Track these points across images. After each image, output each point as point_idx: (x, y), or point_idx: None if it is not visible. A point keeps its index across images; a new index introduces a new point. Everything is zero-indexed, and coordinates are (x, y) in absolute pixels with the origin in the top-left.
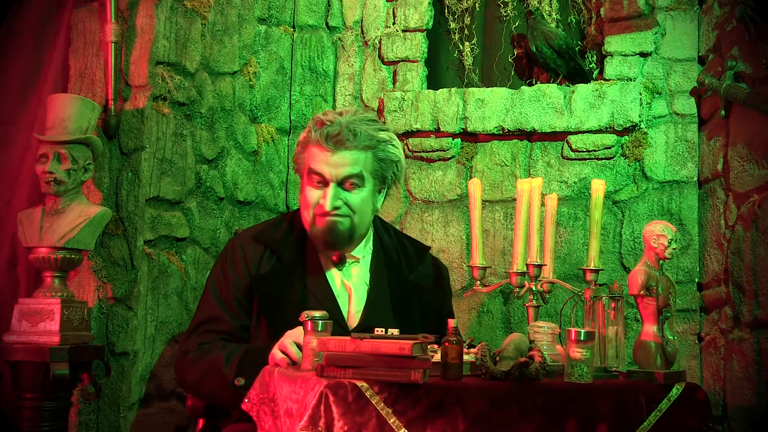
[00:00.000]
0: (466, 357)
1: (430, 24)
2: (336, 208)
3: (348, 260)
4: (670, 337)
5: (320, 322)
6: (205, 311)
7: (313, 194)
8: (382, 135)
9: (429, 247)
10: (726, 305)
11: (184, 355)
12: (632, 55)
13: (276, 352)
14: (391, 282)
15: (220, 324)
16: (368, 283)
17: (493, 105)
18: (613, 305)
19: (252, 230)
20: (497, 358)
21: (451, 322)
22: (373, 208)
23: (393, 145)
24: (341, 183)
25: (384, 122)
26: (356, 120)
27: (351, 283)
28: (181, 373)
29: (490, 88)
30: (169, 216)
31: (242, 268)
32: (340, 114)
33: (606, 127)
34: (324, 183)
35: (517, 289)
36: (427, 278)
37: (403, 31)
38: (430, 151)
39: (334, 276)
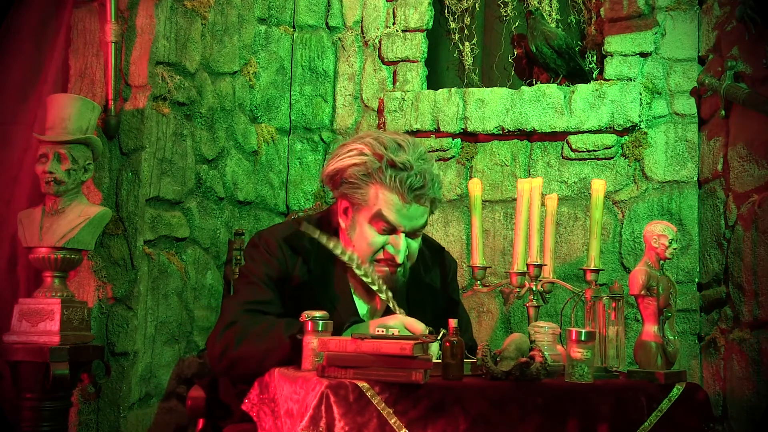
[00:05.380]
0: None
1: (430, 24)
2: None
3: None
4: (671, 337)
5: (320, 322)
6: (251, 294)
7: (377, 240)
8: (436, 170)
9: (443, 248)
10: (726, 305)
11: (230, 325)
12: (632, 55)
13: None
14: (410, 284)
15: (269, 307)
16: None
17: (493, 105)
18: (613, 305)
19: (280, 232)
20: (498, 359)
21: (452, 322)
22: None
23: (440, 179)
24: (409, 234)
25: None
26: (424, 163)
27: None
28: (224, 341)
29: (490, 88)
30: (169, 216)
31: (283, 267)
32: (403, 149)
33: (606, 127)
34: (391, 231)
35: (517, 289)
36: (439, 280)
37: (403, 31)
38: (430, 151)
39: (360, 295)
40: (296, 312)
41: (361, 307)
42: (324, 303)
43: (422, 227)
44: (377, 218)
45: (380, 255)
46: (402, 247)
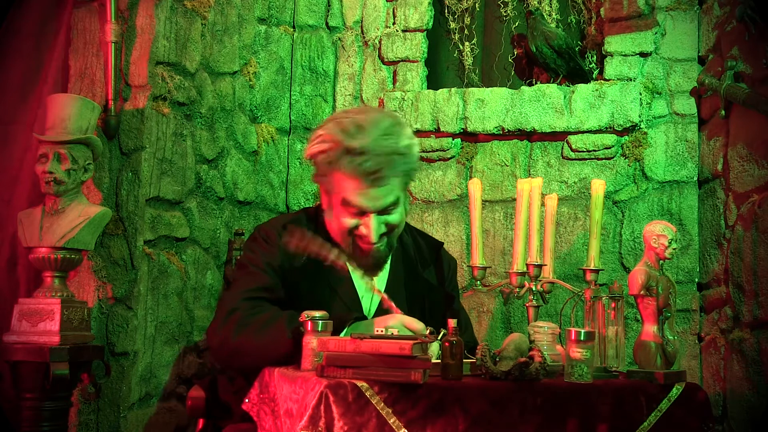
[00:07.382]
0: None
1: (430, 24)
2: (380, 236)
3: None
4: (670, 337)
5: (320, 322)
6: (251, 282)
7: (350, 222)
8: (405, 141)
9: (441, 243)
10: (726, 305)
11: (231, 313)
12: (632, 55)
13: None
14: (407, 279)
15: (272, 293)
16: (387, 281)
17: (493, 105)
18: (613, 305)
19: (281, 220)
20: (497, 358)
21: (452, 322)
22: (406, 212)
23: (414, 147)
24: (381, 212)
25: (391, 113)
26: (384, 142)
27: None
28: (224, 330)
29: (490, 88)
30: (169, 216)
31: (283, 254)
32: (363, 129)
33: (606, 127)
34: (361, 213)
35: (517, 289)
36: (437, 276)
37: (403, 31)
38: (430, 151)
39: (359, 278)
40: (299, 296)
41: (360, 287)
42: (324, 285)
43: (393, 204)
44: (345, 204)
45: (358, 232)
46: (373, 227)
